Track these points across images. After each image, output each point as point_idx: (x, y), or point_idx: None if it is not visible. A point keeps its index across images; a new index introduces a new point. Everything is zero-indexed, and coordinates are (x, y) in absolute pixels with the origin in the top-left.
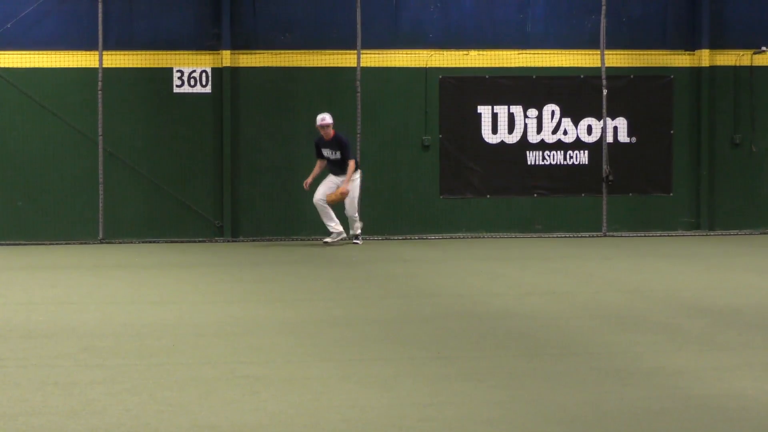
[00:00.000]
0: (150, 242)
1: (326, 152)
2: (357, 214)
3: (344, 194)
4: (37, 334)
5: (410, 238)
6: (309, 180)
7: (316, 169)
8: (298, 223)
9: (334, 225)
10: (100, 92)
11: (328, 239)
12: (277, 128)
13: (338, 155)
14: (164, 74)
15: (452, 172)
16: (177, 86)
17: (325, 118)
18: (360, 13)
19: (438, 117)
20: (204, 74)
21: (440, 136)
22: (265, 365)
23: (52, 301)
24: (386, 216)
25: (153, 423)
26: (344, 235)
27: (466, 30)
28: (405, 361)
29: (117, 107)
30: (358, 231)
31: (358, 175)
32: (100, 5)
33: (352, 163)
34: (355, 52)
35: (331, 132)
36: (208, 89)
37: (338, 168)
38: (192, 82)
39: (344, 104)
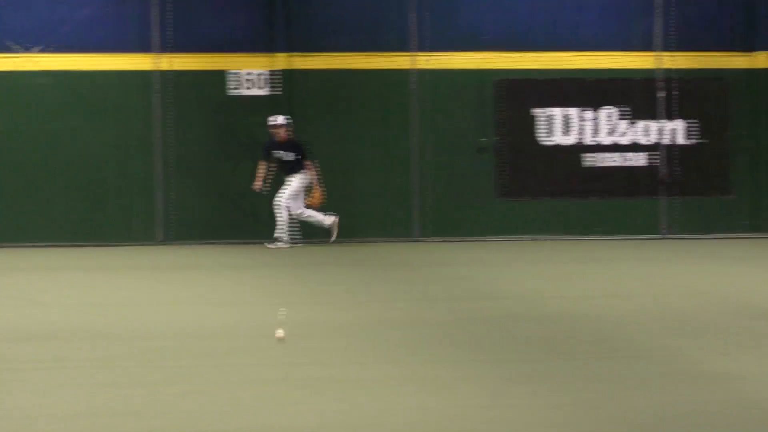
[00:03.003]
0: (209, 244)
1: (280, 153)
2: (307, 213)
3: (319, 195)
4: (101, 335)
5: (468, 241)
6: (258, 183)
7: (261, 171)
8: (357, 225)
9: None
10: (156, 95)
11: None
12: (332, 131)
13: (291, 156)
14: (220, 77)
15: (508, 175)
16: (233, 89)
17: (277, 119)
18: (415, 16)
19: (493, 119)
20: (260, 77)
21: (496, 138)
22: (325, 367)
23: (114, 303)
24: (444, 218)
25: (214, 424)
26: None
27: (522, 32)
28: (466, 364)
29: (173, 110)
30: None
31: (307, 174)
32: (156, 9)
33: (309, 164)
34: (410, 54)
35: (286, 134)
36: (264, 92)
37: (290, 169)
38: (248, 85)
39: (399, 107)
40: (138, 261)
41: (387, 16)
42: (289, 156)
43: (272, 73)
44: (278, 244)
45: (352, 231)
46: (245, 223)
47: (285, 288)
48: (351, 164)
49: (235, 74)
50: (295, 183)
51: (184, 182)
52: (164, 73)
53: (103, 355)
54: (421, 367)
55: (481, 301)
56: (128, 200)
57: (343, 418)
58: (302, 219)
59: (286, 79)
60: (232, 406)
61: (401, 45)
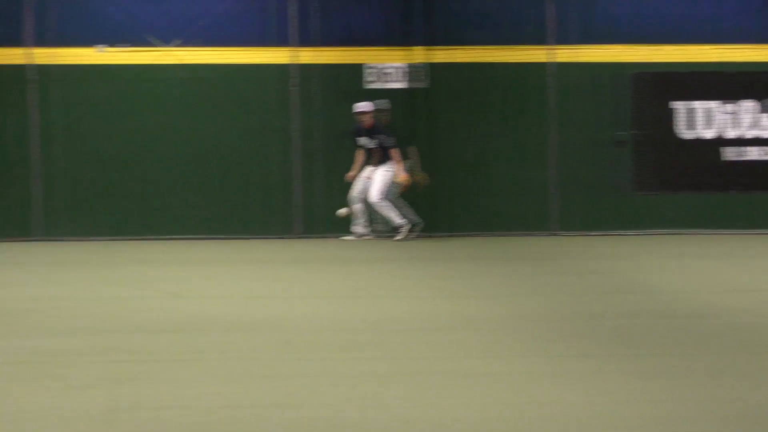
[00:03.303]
0: (348, 237)
1: (364, 140)
2: (386, 205)
3: (404, 180)
4: (238, 328)
5: (605, 234)
6: (351, 173)
7: (358, 161)
8: (493, 219)
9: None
10: (294, 88)
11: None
12: (470, 124)
13: (374, 144)
14: (357, 70)
15: (647, 168)
16: (370, 82)
17: (359, 106)
18: (553, 8)
19: (631, 113)
20: (398, 70)
21: (634, 131)
22: (465, 361)
23: (252, 295)
24: (581, 212)
25: (353, 417)
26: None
27: (660, 25)
28: (606, 358)
29: (310, 103)
30: (397, 223)
31: (392, 167)
32: (294, 2)
33: (394, 151)
34: (548, 47)
35: (370, 121)
36: (402, 85)
37: (374, 158)
38: (385, 78)
39: (536, 100)
40: (277, 254)
41: (525, 9)
42: (373, 143)
43: (411, 66)
44: (401, 232)
45: (489, 224)
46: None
47: (425, 281)
48: (488, 157)
49: (373, 68)
50: (378, 178)
51: (322, 176)
52: (302, 67)
53: (241, 346)
54: (559, 362)
55: (619, 296)
56: (266, 194)
57: (483, 411)
58: (377, 209)
59: (424, 72)
60: (373, 399)
61: (539, 38)
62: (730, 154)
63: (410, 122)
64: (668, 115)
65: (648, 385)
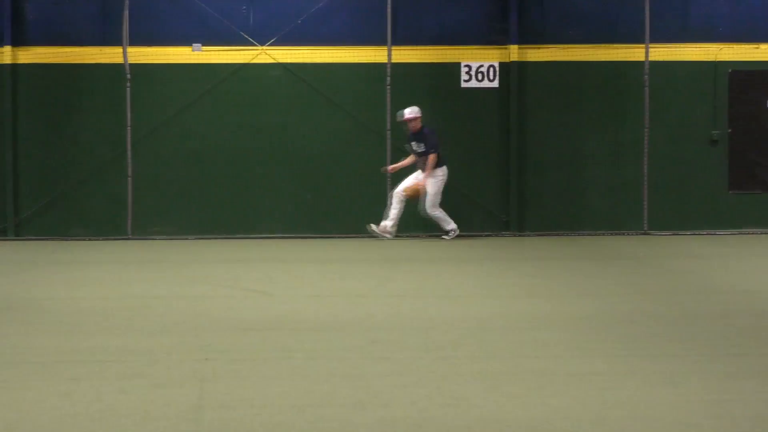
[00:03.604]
0: (436, 236)
1: (413, 145)
2: (439, 213)
3: (420, 188)
4: (326, 327)
5: (698, 234)
6: (395, 166)
7: (407, 161)
8: (585, 218)
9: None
10: (388, 87)
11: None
12: (563, 123)
13: (422, 148)
14: (452, 69)
15: (741, 167)
16: (464, 81)
17: (404, 113)
18: (648, 7)
19: (727, 111)
20: (491, 69)
21: (729, 130)
22: (549, 360)
23: (341, 294)
24: (674, 211)
25: (439, 416)
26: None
27: (757, 23)
28: (692, 358)
29: (405, 102)
30: (449, 228)
31: (441, 172)
32: (389, 1)
33: (432, 158)
34: (644, 46)
35: (417, 125)
36: (495, 84)
37: (423, 162)
38: (479, 77)
39: (632, 99)
40: (366, 253)
41: (621, 7)
42: (420, 148)
43: (504, 65)
44: (450, 234)
45: (580, 223)
46: (472, 215)
47: (511, 281)
48: (581, 156)
49: (466, 66)
50: (430, 188)
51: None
52: (395, 65)
53: (329, 346)
54: (648, 361)
55: (710, 295)
56: (360, 192)
57: (567, 411)
58: (439, 219)
59: (518, 70)
60: (457, 398)
61: (635, 36)
62: None
63: (503, 121)
64: (764, 114)
65: (735, 385)
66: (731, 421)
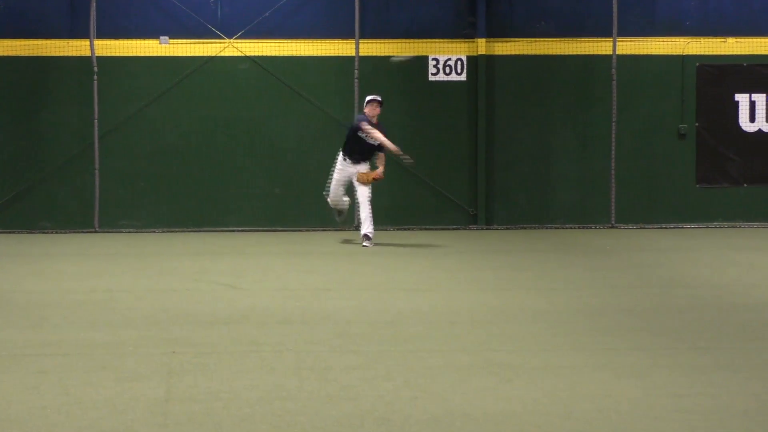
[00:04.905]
0: (404, 229)
1: (367, 138)
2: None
3: (379, 178)
4: (293, 320)
5: (665, 227)
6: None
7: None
8: (553, 211)
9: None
10: (356, 80)
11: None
12: (531, 117)
13: (375, 142)
14: (420, 62)
15: (709, 161)
16: (432, 74)
17: (376, 96)
18: (616, 1)
19: (695, 105)
20: (459, 62)
21: (697, 124)
22: (518, 353)
23: (309, 287)
24: (641, 204)
25: (406, 409)
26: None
27: (724, 17)
28: (660, 352)
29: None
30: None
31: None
32: None
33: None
34: (611, 39)
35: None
36: (463, 77)
37: (366, 155)
38: (447, 71)
39: (599, 92)
40: (334, 246)
41: (588, 1)
42: (374, 141)
43: (472, 59)
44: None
45: (548, 217)
46: (440, 208)
47: (479, 274)
48: (549, 149)
49: (435, 59)
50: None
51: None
52: (364, 59)
53: (296, 339)
54: (615, 355)
55: (677, 289)
56: (324, 185)
57: (535, 404)
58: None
59: (486, 64)
60: (424, 391)
61: (603, 30)
62: None
63: (471, 115)
64: (731, 108)
65: (704, 379)
66: (699, 414)
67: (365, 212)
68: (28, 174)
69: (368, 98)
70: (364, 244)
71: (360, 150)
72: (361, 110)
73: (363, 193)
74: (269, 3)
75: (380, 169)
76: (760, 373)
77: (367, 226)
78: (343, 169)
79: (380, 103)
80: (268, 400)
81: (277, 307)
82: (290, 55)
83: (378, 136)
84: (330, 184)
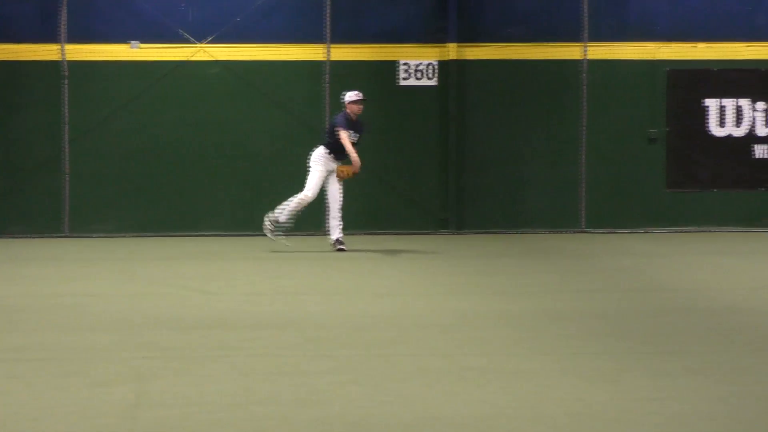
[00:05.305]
0: (373, 234)
1: (352, 134)
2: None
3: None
4: (265, 325)
5: (635, 232)
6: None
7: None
8: (523, 216)
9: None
10: (327, 85)
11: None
12: (502, 121)
13: (358, 138)
14: (390, 67)
15: (679, 166)
16: (403, 79)
17: (360, 94)
18: (587, 6)
19: (665, 110)
20: (430, 67)
21: (667, 129)
22: (488, 357)
23: (280, 292)
24: (612, 209)
25: (377, 414)
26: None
27: (694, 22)
28: (629, 356)
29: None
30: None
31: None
32: None
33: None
34: (582, 44)
35: (359, 111)
36: (434, 82)
37: (341, 153)
38: (418, 75)
39: (570, 97)
40: (303, 251)
41: (559, 5)
42: (357, 138)
43: (443, 63)
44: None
45: (519, 221)
46: (410, 213)
47: (450, 278)
48: (520, 154)
49: (405, 64)
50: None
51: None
52: (335, 63)
53: (267, 344)
54: (584, 359)
55: (647, 293)
56: (299, 190)
57: (506, 408)
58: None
59: (457, 69)
60: (395, 396)
61: (573, 35)
62: (760, 151)
63: (442, 119)
64: (701, 113)
65: (673, 383)
66: (669, 418)
67: (339, 218)
68: None
69: (352, 96)
70: (341, 248)
71: (342, 148)
72: (337, 110)
73: (338, 199)
74: (240, 7)
75: (355, 158)
76: (729, 378)
77: (339, 232)
78: (326, 162)
79: (364, 100)
80: (238, 405)
81: (248, 311)
82: (261, 59)
83: (349, 149)
84: (311, 181)
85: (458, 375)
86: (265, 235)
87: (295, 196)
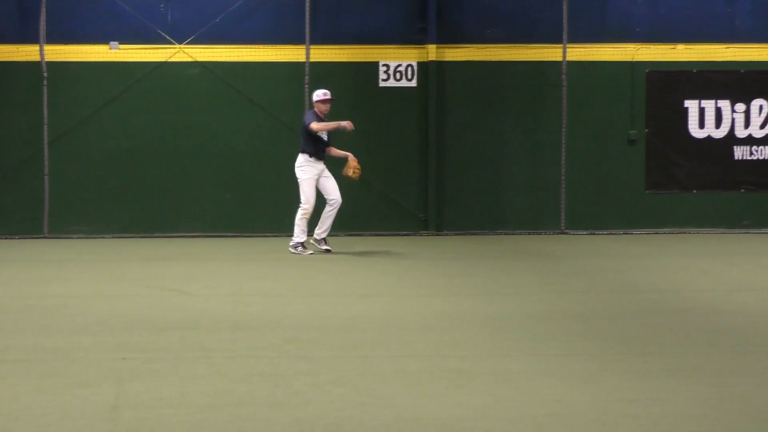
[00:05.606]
0: (354, 235)
1: (321, 133)
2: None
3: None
4: (244, 326)
5: (615, 233)
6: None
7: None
8: (503, 217)
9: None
10: (307, 86)
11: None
12: (482, 122)
13: (326, 136)
14: (370, 68)
15: (658, 167)
16: (383, 80)
17: (327, 93)
18: (566, 7)
19: (644, 111)
20: (410, 68)
21: (646, 130)
22: (468, 359)
23: (259, 293)
24: (591, 210)
25: (356, 415)
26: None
27: (674, 24)
28: (610, 357)
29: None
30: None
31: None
32: (307, 0)
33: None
34: (562, 46)
35: (327, 109)
36: (414, 83)
37: (322, 152)
38: (398, 76)
39: (550, 98)
40: (285, 252)
41: (539, 7)
42: (326, 135)
43: (423, 65)
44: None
45: (499, 223)
46: (391, 214)
47: (430, 280)
48: (500, 155)
49: (385, 66)
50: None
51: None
52: (314, 65)
53: (247, 345)
54: (564, 360)
55: (627, 294)
56: (279, 191)
57: (485, 410)
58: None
59: (437, 70)
60: (375, 397)
61: (553, 36)
62: (740, 153)
63: (422, 120)
64: (681, 114)
65: (653, 384)
66: (648, 419)
67: (332, 215)
68: None
69: (319, 95)
70: (327, 247)
71: (323, 147)
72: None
73: (338, 199)
74: (219, 8)
75: (334, 125)
76: (708, 379)
77: (325, 232)
78: (311, 167)
79: (331, 100)
80: (218, 406)
81: (227, 312)
82: (240, 60)
83: (331, 125)
84: (305, 193)
85: (439, 376)
86: (249, 236)
87: (297, 215)
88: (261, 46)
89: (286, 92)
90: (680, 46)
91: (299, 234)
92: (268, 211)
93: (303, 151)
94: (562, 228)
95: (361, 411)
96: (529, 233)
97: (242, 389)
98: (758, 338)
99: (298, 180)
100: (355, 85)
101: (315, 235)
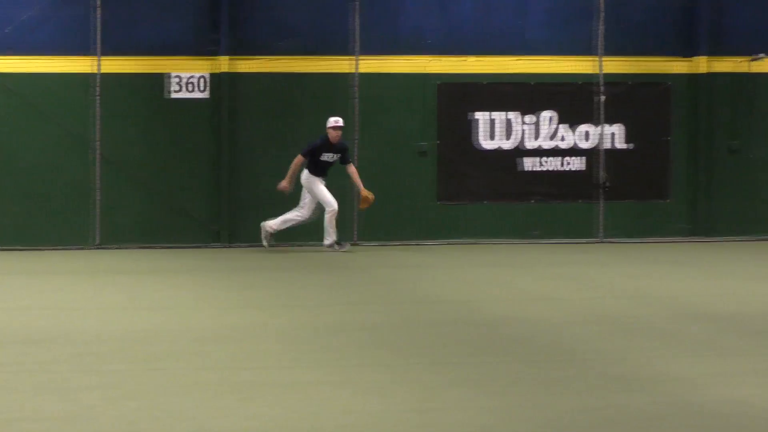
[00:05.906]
0: (146, 248)
1: (327, 156)
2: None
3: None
4: (34, 340)
5: (407, 244)
6: (286, 183)
7: (295, 171)
8: (295, 229)
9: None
10: (97, 97)
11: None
12: (275, 133)
13: (336, 159)
14: (162, 79)
15: (449, 178)
16: (175, 91)
17: (339, 120)
18: (358, 19)
19: (436, 123)
20: (202, 80)
21: (438, 141)
22: (261, 371)
23: (49, 307)
24: (383, 222)
25: (149, 429)
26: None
27: (465, 36)
28: (401, 368)
29: (114, 112)
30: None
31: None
32: (98, 11)
33: (354, 169)
34: (354, 57)
35: (338, 135)
36: (206, 94)
37: (321, 171)
38: (190, 88)
39: (342, 110)
40: (74, 265)
41: (332, 19)
42: (334, 159)
43: (215, 76)
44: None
45: (291, 234)
46: (183, 226)
47: (222, 292)
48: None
49: (177, 77)
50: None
51: (122, 185)
52: (105, 76)
53: (37, 359)
54: (355, 371)
55: (419, 305)
56: (65, 203)
57: (280, 421)
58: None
59: (229, 81)
60: (165, 410)
61: (344, 48)
62: (529, 164)
63: (215, 131)
64: (471, 126)
65: (442, 394)
66: (439, 429)
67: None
68: None
69: (330, 122)
70: (345, 249)
71: (326, 169)
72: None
73: (307, 215)
74: (8, 19)
75: (285, 181)
76: (500, 388)
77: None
78: (315, 178)
79: (341, 127)
80: (7, 421)
81: (16, 326)
82: (30, 71)
83: (289, 174)
84: (324, 198)
85: (232, 388)
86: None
87: (325, 218)
88: (51, 57)
89: (75, 103)
90: (471, 59)
91: (332, 234)
92: (59, 223)
93: (306, 167)
94: (354, 239)
95: (155, 425)
96: (320, 245)
97: (32, 404)
98: (548, 348)
99: (310, 193)
100: (146, 96)
101: (267, 227)
